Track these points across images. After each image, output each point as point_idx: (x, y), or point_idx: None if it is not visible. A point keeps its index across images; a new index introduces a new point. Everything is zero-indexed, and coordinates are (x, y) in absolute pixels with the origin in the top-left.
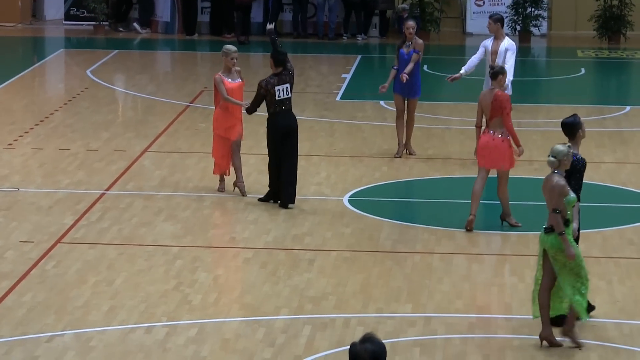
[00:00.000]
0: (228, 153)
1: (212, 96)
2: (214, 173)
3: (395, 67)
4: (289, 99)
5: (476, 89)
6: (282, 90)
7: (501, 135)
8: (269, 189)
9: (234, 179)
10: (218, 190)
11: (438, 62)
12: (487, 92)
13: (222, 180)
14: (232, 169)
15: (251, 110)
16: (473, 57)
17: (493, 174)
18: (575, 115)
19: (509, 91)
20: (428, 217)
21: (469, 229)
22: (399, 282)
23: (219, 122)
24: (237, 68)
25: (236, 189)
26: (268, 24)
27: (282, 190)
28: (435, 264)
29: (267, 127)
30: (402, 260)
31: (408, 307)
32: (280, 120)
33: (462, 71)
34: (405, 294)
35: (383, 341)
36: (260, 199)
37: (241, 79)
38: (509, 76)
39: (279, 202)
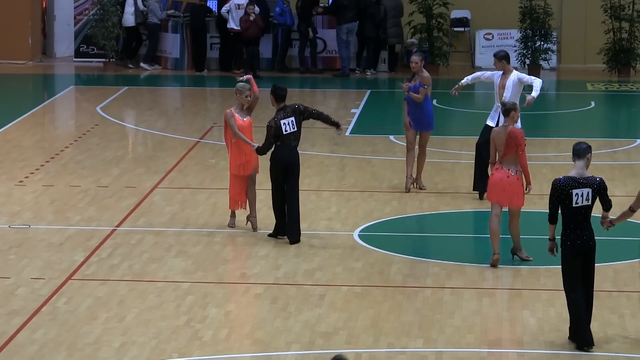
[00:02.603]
0: (245, 188)
1: (222, 131)
2: (229, 208)
3: (406, 99)
4: (295, 133)
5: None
6: (288, 123)
7: (515, 173)
8: (275, 222)
9: (247, 213)
10: (228, 225)
11: (447, 96)
12: (501, 129)
13: (232, 215)
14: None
15: (262, 151)
16: (485, 72)
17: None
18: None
19: (518, 124)
20: (438, 251)
21: (495, 267)
22: (410, 316)
23: (233, 160)
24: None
25: (249, 223)
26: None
27: (287, 227)
28: (446, 299)
29: (270, 159)
30: (413, 295)
31: (419, 341)
32: (281, 155)
33: (463, 81)
34: (417, 329)
35: None
36: (270, 235)
37: (251, 110)
38: (537, 83)
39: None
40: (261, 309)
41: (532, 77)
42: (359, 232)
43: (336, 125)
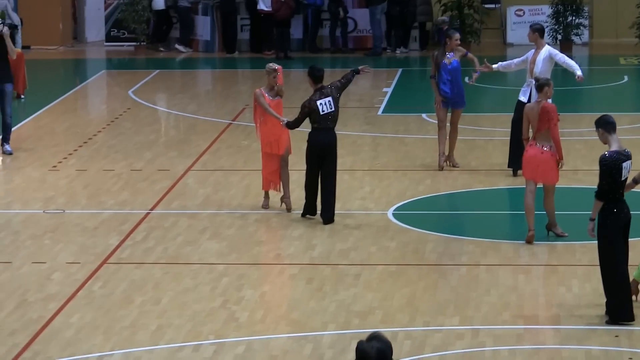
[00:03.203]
0: (278, 168)
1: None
2: (263, 189)
3: (432, 77)
4: (333, 113)
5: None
6: (325, 103)
7: (550, 149)
8: (305, 202)
9: (280, 194)
10: (262, 207)
11: (479, 74)
12: (534, 104)
13: (266, 196)
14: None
15: (292, 126)
16: (514, 60)
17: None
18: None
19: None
20: (473, 229)
21: (530, 243)
22: (446, 295)
23: (263, 139)
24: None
25: (283, 204)
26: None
27: (322, 207)
28: (481, 276)
29: (307, 142)
30: (448, 273)
31: (455, 319)
32: (319, 138)
33: (495, 65)
34: (452, 307)
35: (435, 353)
36: (303, 215)
37: (281, 95)
38: (572, 63)
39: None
40: (296, 290)
41: (565, 58)
42: (393, 211)
43: (356, 72)
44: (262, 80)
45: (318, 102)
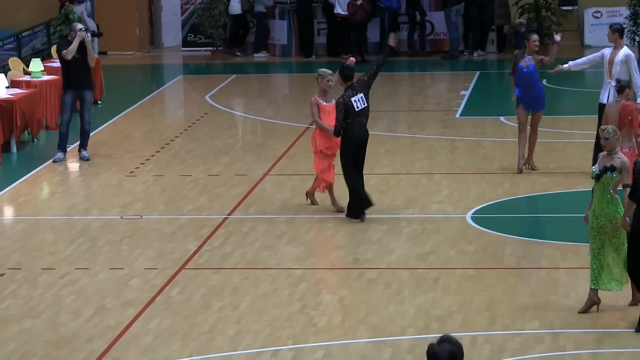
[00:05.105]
0: (330, 166)
1: None
2: (321, 191)
3: (511, 74)
4: (365, 110)
5: (597, 101)
6: (358, 100)
7: (629, 150)
8: (354, 199)
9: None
10: (338, 211)
11: (557, 76)
12: (614, 103)
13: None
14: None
15: (337, 132)
16: (587, 57)
17: None
18: None
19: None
20: (552, 232)
21: None
22: (525, 298)
23: (319, 141)
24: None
25: (309, 200)
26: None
27: (360, 203)
28: (561, 279)
29: (342, 138)
30: (527, 277)
31: (535, 323)
32: (354, 132)
33: (566, 65)
34: (532, 311)
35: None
36: (357, 215)
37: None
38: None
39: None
40: (375, 294)
41: (636, 74)
42: (472, 214)
43: (387, 53)
44: (339, 84)
45: (352, 99)
